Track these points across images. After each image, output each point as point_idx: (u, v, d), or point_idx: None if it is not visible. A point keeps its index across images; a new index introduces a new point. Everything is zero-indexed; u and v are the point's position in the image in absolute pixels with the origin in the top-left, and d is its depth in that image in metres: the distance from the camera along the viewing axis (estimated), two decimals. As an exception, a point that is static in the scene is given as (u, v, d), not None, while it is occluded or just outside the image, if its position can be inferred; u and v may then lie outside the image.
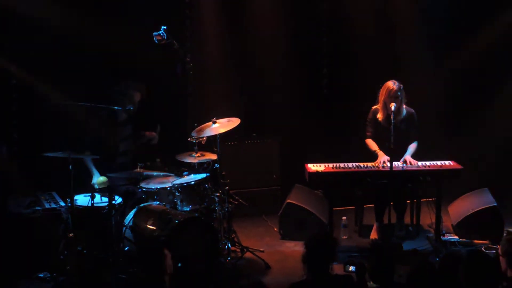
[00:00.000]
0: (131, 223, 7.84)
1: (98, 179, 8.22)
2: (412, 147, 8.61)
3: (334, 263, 5.96)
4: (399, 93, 8.39)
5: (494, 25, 10.14)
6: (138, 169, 7.89)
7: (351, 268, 5.93)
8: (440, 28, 10.16)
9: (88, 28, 9.04)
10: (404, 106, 8.57)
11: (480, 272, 5.41)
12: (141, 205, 7.99)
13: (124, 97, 8.38)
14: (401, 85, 8.45)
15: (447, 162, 8.42)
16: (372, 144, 8.64)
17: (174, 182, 8.11)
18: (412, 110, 8.66)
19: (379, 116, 8.59)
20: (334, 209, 8.63)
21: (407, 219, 9.03)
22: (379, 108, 8.60)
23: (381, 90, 8.53)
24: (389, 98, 8.40)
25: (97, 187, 8.16)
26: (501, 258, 5.81)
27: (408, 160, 8.39)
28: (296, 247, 8.60)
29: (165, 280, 6.10)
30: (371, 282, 5.75)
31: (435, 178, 8.31)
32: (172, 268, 6.21)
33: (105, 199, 7.65)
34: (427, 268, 5.59)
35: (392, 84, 8.43)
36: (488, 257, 5.60)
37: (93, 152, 8.15)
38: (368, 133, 8.70)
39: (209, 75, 9.71)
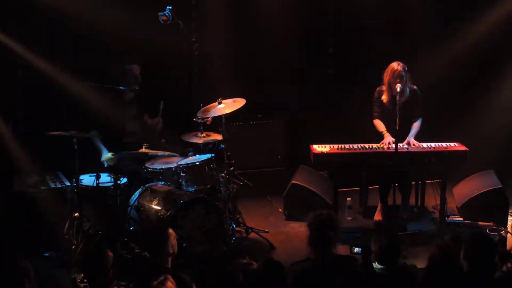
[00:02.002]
0: (136, 203, 7.86)
1: (106, 155, 8.23)
2: (416, 126, 8.59)
3: (339, 243, 5.98)
4: (403, 74, 8.37)
5: (502, 4, 10.08)
6: (143, 149, 7.89)
7: (357, 249, 5.93)
8: (449, 6, 10.10)
9: (92, 8, 9.02)
10: (408, 84, 8.55)
11: (481, 253, 5.42)
12: (146, 185, 8.01)
13: (125, 75, 8.40)
14: (406, 66, 8.43)
15: (452, 144, 8.41)
16: (379, 125, 8.62)
17: (179, 163, 8.12)
18: (415, 87, 8.63)
19: (384, 97, 8.58)
20: (339, 190, 8.62)
21: (411, 201, 9.05)
22: (384, 89, 8.59)
23: (386, 71, 8.51)
24: (393, 79, 8.38)
25: (106, 165, 8.18)
26: (509, 237, 5.82)
27: (412, 142, 8.38)
28: (300, 228, 8.59)
29: (169, 260, 6.13)
30: (376, 263, 5.77)
31: (440, 160, 8.31)
32: (177, 248, 6.24)
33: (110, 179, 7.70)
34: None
35: (396, 65, 8.41)
36: (490, 239, 5.61)
37: (100, 131, 8.17)
38: (376, 113, 8.68)
39: (214, 55, 9.69)
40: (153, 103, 8.71)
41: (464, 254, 5.45)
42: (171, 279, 5.24)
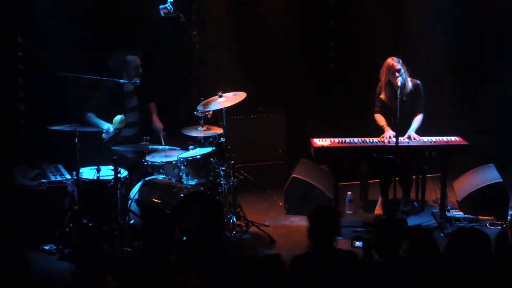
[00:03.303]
0: (136, 197, 7.86)
1: (115, 118, 8.18)
2: (417, 120, 8.57)
3: (339, 237, 5.97)
4: (400, 67, 8.36)
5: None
6: (144, 143, 7.89)
7: (358, 243, 5.92)
8: (449, 1, 10.08)
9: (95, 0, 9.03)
10: (409, 78, 8.54)
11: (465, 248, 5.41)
12: (147, 178, 8.01)
13: (126, 67, 8.40)
14: (400, 59, 8.42)
15: (453, 138, 8.41)
16: (380, 119, 8.61)
17: (179, 156, 8.12)
18: (417, 81, 8.62)
19: (382, 96, 8.57)
20: (340, 184, 8.61)
21: (412, 195, 9.03)
22: (381, 86, 8.57)
23: (382, 69, 8.50)
24: (392, 75, 8.36)
25: (112, 131, 8.14)
26: (510, 231, 5.81)
27: (413, 136, 8.38)
28: (301, 222, 8.60)
29: (172, 253, 6.12)
30: (377, 257, 5.77)
31: (441, 154, 8.30)
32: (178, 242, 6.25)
33: (111, 172, 7.68)
34: (428, 241, 5.59)
35: (391, 61, 8.40)
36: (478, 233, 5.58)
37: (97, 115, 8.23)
38: (377, 108, 8.67)
39: (215, 49, 9.68)
40: (154, 93, 8.73)
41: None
42: (193, 275, 5.24)
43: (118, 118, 8.19)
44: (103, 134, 8.24)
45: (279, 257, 5.42)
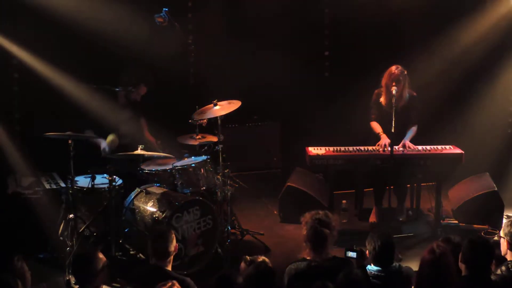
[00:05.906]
0: (131, 205, 7.84)
1: (108, 138, 8.17)
2: (412, 130, 8.60)
3: (334, 246, 5.98)
4: (400, 78, 8.38)
5: (497, 8, 10.10)
6: (139, 151, 7.88)
7: (351, 254, 5.93)
8: (443, 11, 10.11)
9: (87, 8, 9.00)
10: (408, 90, 8.55)
11: (479, 257, 5.42)
12: (141, 187, 7.99)
13: (130, 81, 8.42)
14: (404, 70, 8.44)
15: (447, 147, 8.43)
16: (376, 126, 8.63)
17: (174, 164, 8.12)
18: (415, 93, 8.65)
19: (382, 100, 8.59)
20: (334, 192, 8.64)
21: (407, 203, 9.05)
22: (382, 91, 8.59)
23: (384, 74, 8.53)
24: (390, 82, 8.39)
25: (108, 150, 8.14)
26: (502, 241, 5.83)
27: (407, 145, 8.40)
28: (296, 230, 8.57)
29: (169, 261, 6.10)
30: (372, 265, 5.77)
31: (436, 163, 8.32)
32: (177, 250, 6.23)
33: (106, 180, 7.67)
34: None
35: (394, 69, 8.43)
36: (489, 243, 5.60)
37: (94, 131, 8.19)
38: (373, 116, 8.70)
39: (210, 57, 9.68)
40: (150, 107, 8.76)
41: (461, 257, 5.46)
42: (177, 285, 5.23)
43: (110, 138, 8.18)
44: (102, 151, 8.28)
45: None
